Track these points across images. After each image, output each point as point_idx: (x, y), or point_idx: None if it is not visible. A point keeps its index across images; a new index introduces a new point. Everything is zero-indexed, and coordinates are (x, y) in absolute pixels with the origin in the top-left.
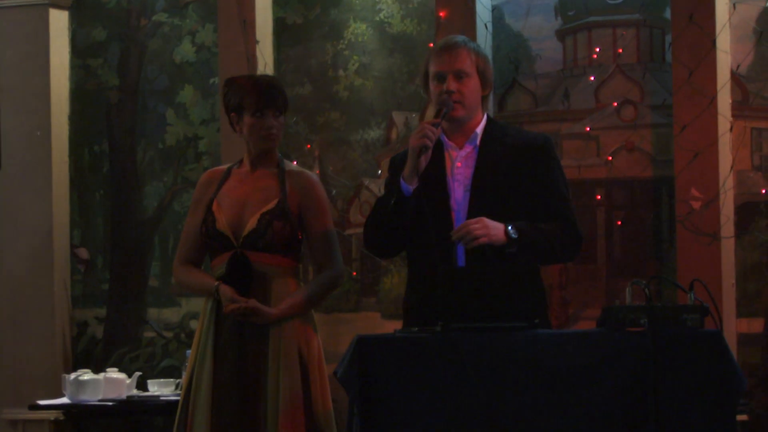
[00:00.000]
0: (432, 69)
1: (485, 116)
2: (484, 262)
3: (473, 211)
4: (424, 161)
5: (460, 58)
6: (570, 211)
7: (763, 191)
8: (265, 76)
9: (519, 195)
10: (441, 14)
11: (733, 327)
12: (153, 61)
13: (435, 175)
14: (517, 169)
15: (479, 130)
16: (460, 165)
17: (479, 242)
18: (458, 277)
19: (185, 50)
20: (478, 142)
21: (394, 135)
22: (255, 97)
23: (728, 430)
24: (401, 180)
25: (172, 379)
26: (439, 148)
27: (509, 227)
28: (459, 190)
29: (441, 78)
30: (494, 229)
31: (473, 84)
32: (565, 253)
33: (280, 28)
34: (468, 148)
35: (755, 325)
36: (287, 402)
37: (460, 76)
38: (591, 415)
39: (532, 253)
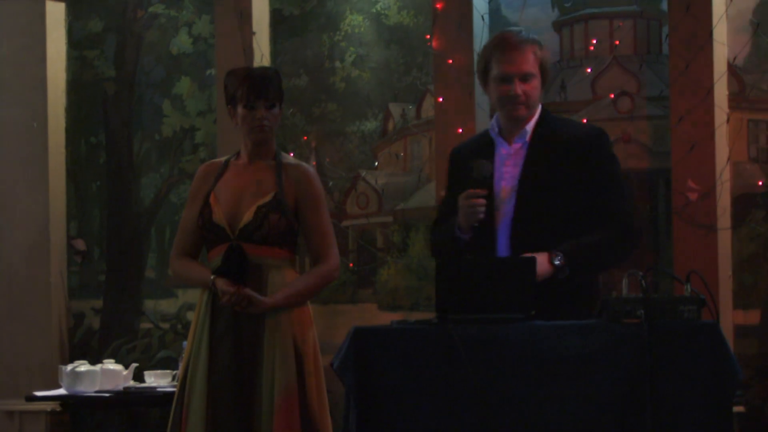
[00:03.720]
0: (495, 70)
1: (539, 108)
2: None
3: (519, 212)
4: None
5: (526, 59)
6: (624, 207)
7: (760, 183)
8: (260, 68)
9: (568, 193)
10: (438, 6)
11: (729, 318)
12: (149, 52)
13: (481, 175)
14: (567, 164)
15: (531, 125)
16: (509, 163)
17: None
18: (457, 269)
19: (182, 41)
20: (528, 138)
21: (390, 126)
22: (246, 88)
23: (724, 422)
24: (456, 228)
25: (168, 371)
26: (489, 145)
27: (554, 259)
28: (506, 189)
29: (506, 80)
30: (539, 266)
31: (537, 83)
32: (619, 258)
33: (276, 19)
34: (517, 145)
35: (752, 317)
36: (282, 394)
37: (526, 78)
38: (587, 406)
39: (585, 271)
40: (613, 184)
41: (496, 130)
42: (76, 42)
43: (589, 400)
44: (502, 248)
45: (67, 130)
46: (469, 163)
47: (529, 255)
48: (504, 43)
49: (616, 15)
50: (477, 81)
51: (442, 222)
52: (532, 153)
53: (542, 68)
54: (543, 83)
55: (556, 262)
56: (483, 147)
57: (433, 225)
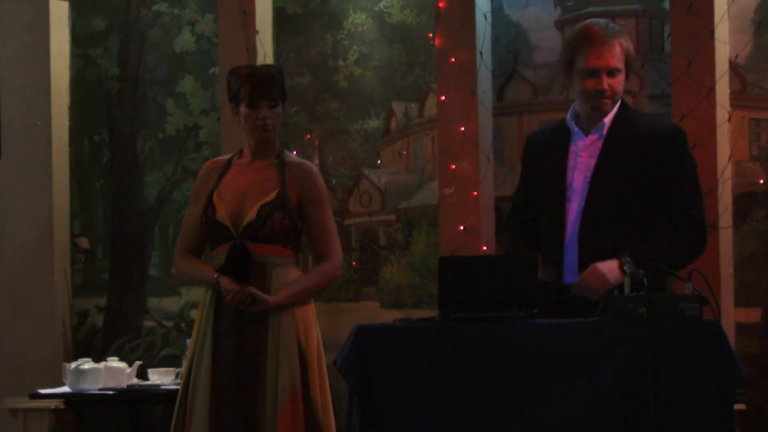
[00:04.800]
0: (582, 63)
1: (620, 101)
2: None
3: (590, 204)
4: None
5: (613, 54)
6: (696, 206)
7: (761, 181)
8: (263, 66)
9: (641, 188)
10: (440, 5)
11: (731, 317)
12: (153, 50)
13: (556, 163)
14: (643, 160)
15: (609, 118)
16: (584, 155)
17: (600, 295)
18: (460, 267)
19: (185, 40)
20: (605, 131)
21: (393, 125)
22: (249, 87)
23: (726, 419)
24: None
25: (172, 368)
26: (566, 134)
27: (624, 266)
28: (579, 180)
29: (593, 74)
30: (609, 273)
31: (623, 77)
32: (689, 257)
33: (279, 18)
34: (594, 137)
35: (753, 315)
36: (286, 392)
37: (612, 73)
38: (590, 404)
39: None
40: (689, 184)
41: (571, 121)
42: (79, 40)
43: (592, 398)
44: (571, 241)
45: (71, 129)
46: (541, 159)
47: (601, 263)
48: (591, 36)
49: (618, 14)
50: (479, 79)
51: (516, 214)
52: (608, 146)
53: (627, 62)
54: (627, 76)
55: (626, 271)
56: (559, 136)
57: (507, 217)
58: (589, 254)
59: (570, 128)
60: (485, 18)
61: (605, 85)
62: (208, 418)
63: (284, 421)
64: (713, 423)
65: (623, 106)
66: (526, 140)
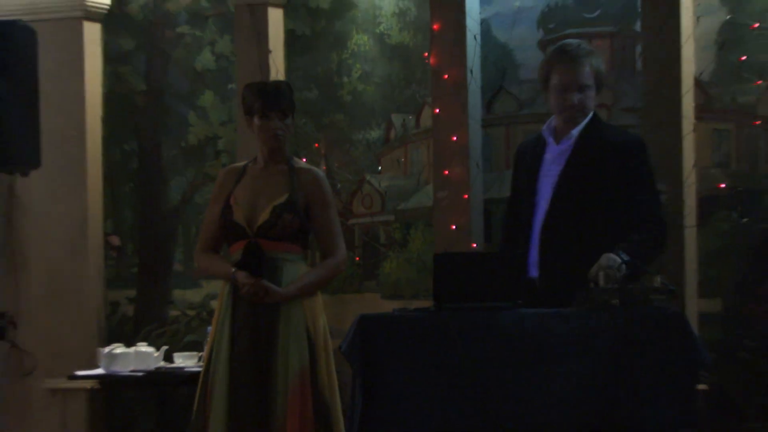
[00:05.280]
0: (555, 79)
1: (591, 114)
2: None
3: (553, 206)
4: None
5: (583, 72)
6: (658, 209)
7: (723, 185)
8: (275, 82)
9: (602, 193)
10: (435, 27)
11: (695, 307)
12: (176, 68)
13: (530, 170)
14: (606, 167)
15: (578, 129)
16: (554, 162)
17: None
18: (453, 262)
19: (205, 59)
20: (574, 141)
21: (392, 135)
22: (261, 101)
23: (689, 399)
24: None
25: (194, 353)
26: (542, 144)
27: (622, 257)
28: (547, 185)
29: (565, 90)
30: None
31: (592, 93)
32: (656, 253)
33: (290, 38)
34: (564, 145)
35: (716, 305)
36: (296, 375)
37: (582, 89)
38: (569, 384)
39: (637, 270)
40: (649, 190)
41: (547, 131)
42: (110, 58)
43: (571, 380)
44: (534, 239)
45: (103, 139)
46: (523, 166)
47: (613, 257)
48: (564, 56)
49: (595, 35)
50: (470, 94)
51: (509, 217)
52: (575, 154)
53: (597, 79)
54: (597, 91)
55: (624, 259)
56: (537, 145)
57: (504, 219)
58: (549, 252)
59: (545, 138)
60: (475, 39)
61: (575, 100)
62: (226, 397)
63: (294, 400)
64: (679, 401)
65: (594, 118)
66: (517, 151)
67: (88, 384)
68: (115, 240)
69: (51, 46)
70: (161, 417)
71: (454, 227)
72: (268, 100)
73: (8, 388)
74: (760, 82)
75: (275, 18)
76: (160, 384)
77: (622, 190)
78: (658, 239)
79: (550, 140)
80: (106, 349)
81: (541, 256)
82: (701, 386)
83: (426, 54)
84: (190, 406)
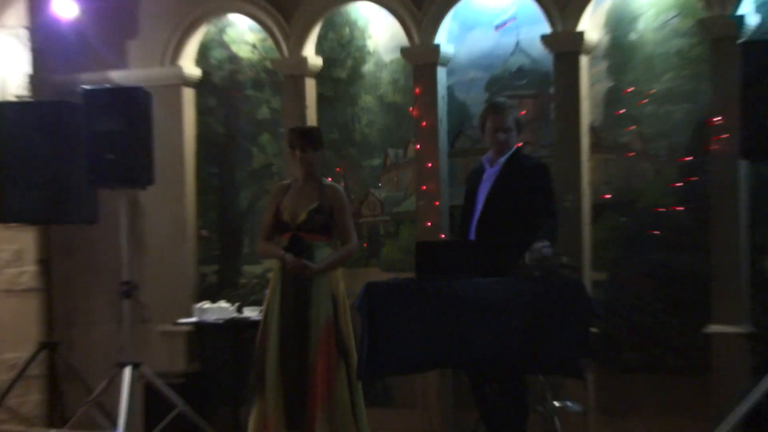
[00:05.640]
0: (488, 125)
1: (515, 148)
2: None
3: (484, 211)
4: None
5: (506, 119)
6: (554, 211)
7: (607, 196)
8: (309, 127)
9: (518, 200)
10: (416, 92)
11: (589, 277)
12: (244, 118)
13: (476, 187)
14: (521, 183)
15: (504, 158)
16: (487, 182)
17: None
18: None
19: (263, 111)
20: (501, 166)
21: (388, 162)
22: (301, 140)
23: (585, 339)
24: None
25: (257, 307)
26: (482, 169)
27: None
28: (481, 198)
29: (494, 131)
30: (543, 249)
31: (514, 133)
32: (556, 239)
33: (320, 98)
34: (494, 169)
35: (603, 276)
36: (324, 323)
37: (506, 131)
38: (504, 330)
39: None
40: (549, 198)
41: (486, 160)
42: (200, 111)
43: (506, 325)
44: (473, 229)
45: (196, 165)
46: (470, 184)
47: (540, 244)
48: (494, 108)
49: (524, 95)
50: (440, 135)
51: (463, 215)
52: (500, 176)
53: (517, 124)
54: (518, 133)
55: (549, 252)
56: (479, 170)
57: (460, 217)
58: (480, 237)
59: (484, 164)
60: (443, 99)
61: (502, 139)
62: (277, 337)
63: (322, 340)
64: (579, 340)
65: (516, 151)
66: (468, 173)
67: (186, 328)
68: (204, 232)
69: (162, 104)
70: (235, 351)
71: (429, 224)
72: (305, 139)
73: (133, 331)
74: (632, 127)
75: (310, 85)
76: (234, 328)
77: (530, 198)
78: (554, 231)
79: (486, 166)
80: (198, 305)
81: (475, 240)
82: (593, 330)
83: (411, 109)
84: (254, 342)
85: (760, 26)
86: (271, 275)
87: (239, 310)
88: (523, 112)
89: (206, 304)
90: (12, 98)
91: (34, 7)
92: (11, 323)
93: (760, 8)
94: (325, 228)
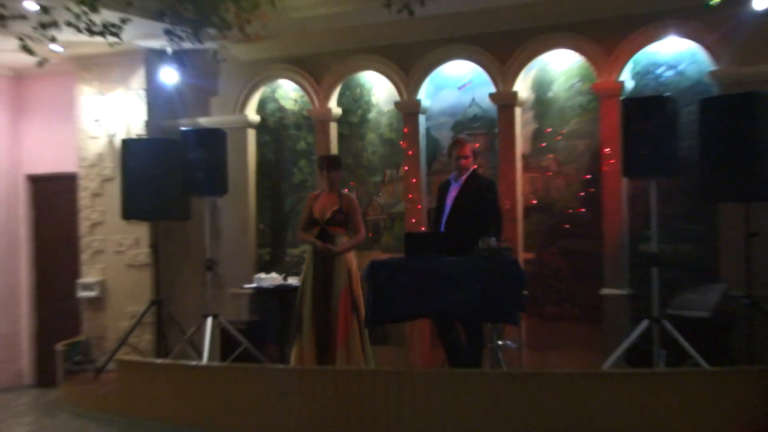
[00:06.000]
0: (454, 153)
1: (471, 170)
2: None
3: (451, 214)
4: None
5: (466, 150)
6: (498, 213)
7: (534, 202)
8: (332, 155)
9: (473, 207)
10: (405, 131)
11: (521, 256)
12: (288, 149)
13: (445, 196)
14: (475, 195)
15: (464, 177)
16: (453, 193)
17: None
18: (415, 236)
19: (301, 144)
20: (462, 182)
21: (386, 179)
22: (326, 164)
23: (519, 297)
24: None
25: (296, 277)
26: (449, 184)
27: (495, 238)
28: (449, 204)
29: (458, 159)
30: (493, 243)
31: (471, 160)
32: (500, 234)
33: (340, 136)
34: (458, 184)
35: (531, 256)
36: (342, 289)
37: (466, 158)
38: (465, 292)
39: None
40: (495, 206)
41: (452, 177)
42: (259, 144)
43: (466, 289)
44: (443, 225)
45: (256, 180)
46: (441, 194)
47: (488, 236)
48: (458, 142)
49: (478, 134)
50: (421, 161)
51: (436, 215)
52: (462, 189)
53: (473, 153)
54: (474, 159)
55: (495, 243)
56: (447, 184)
57: (434, 216)
58: (449, 231)
59: (451, 181)
60: (423, 136)
61: (462, 163)
62: (310, 299)
63: (341, 301)
64: (515, 300)
65: (473, 171)
66: (438, 186)
67: (249, 291)
68: (261, 226)
69: (233, 139)
70: (281, 307)
71: (414, 221)
72: (329, 164)
73: (213, 293)
74: (550, 155)
75: (333, 127)
76: (281, 291)
77: (482, 205)
78: (499, 227)
79: (453, 181)
80: (257, 275)
81: (445, 232)
82: (525, 292)
83: (401, 143)
84: (294, 301)
85: (634, 89)
86: (306, 255)
87: (284, 279)
88: (477, 145)
89: (262, 275)
90: (134, 136)
91: (149, 74)
92: (132, 287)
93: (633, 77)
94: (343, 223)
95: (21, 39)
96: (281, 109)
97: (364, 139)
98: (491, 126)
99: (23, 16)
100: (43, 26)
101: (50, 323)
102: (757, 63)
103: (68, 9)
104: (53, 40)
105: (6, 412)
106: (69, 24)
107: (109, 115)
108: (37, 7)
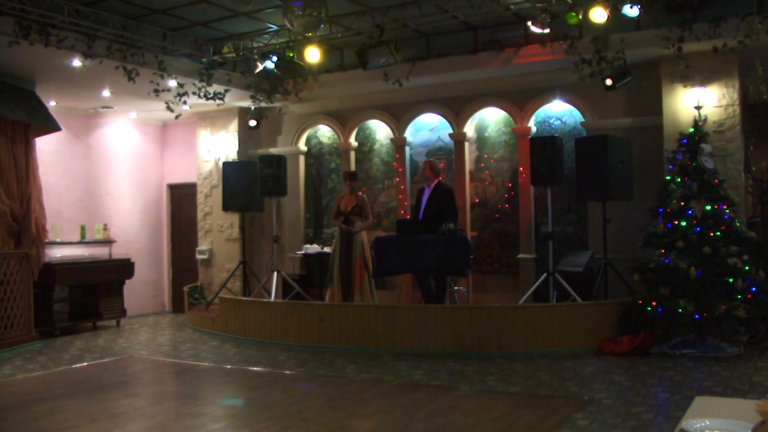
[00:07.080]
0: (425, 171)
1: (437, 180)
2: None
3: (426, 211)
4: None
5: (435, 167)
6: (455, 208)
7: (477, 200)
8: (352, 171)
9: (439, 203)
10: (396, 156)
11: (469, 234)
12: (326, 167)
13: (421, 197)
14: (440, 196)
15: (433, 184)
16: (426, 195)
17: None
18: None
19: (333, 165)
20: (431, 188)
21: (385, 186)
22: (348, 177)
23: (467, 259)
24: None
25: (329, 247)
26: (423, 189)
27: (452, 225)
28: (423, 202)
29: (427, 175)
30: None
31: (429, 173)
32: (456, 221)
33: (357, 159)
34: (429, 190)
35: (476, 234)
36: (358, 254)
37: (424, 169)
38: (434, 255)
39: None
40: (452, 204)
41: (426, 185)
42: (306, 165)
43: (435, 254)
44: (420, 215)
45: (304, 187)
46: (419, 196)
47: (448, 223)
48: (429, 163)
49: (442, 158)
50: (407, 176)
51: (414, 210)
52: (432, 193)
53: (434, 170)
54: (436, 176)
55: (452, 226)
56: (422, 190)
57: (413, 212)
58: (425, 221)
59: (425, 187)
60: (408, 160)
61: (422, 173)
62: (338, 260)
63: (357, 262)
64: (464, 262)
65: (438, 182)
66: (417, 191)
67: (300, 255)
68: (307, 215)
69: (290, 162)
70: (321, 265)
71: (402, 212)
72: (350, 176)
73: (278, 256)
74: (487, 172)
75: (352, 153)
76: (320, 256)
77: (444, 204)
78: (455, 218)
79: (426, 188)
80: (305, 246)
81: (423, 230)
82: (471, 256)
83: (395, 163)
84: (328, 262)
85: (536, 131)
86: (335, 233)
87: (322, 248)
88: (441, 164)
89: (308, 246)
90: (230, 160)
91: (240, 122)
92: (228, 253)
93: (536, 124)
94: (359, 214)
95: (166, 103)
96: (320, 143)
97: (371, 161)
98: (450, 154)
99: (168, 90)
100: (179, 95)
101: (180, 274)
102: (608, 117)
103: (194, 84)
104: (185, 103)
105: (155, 326)
106: (194, 93)
107: (216, 147)
108: (176, 84)
